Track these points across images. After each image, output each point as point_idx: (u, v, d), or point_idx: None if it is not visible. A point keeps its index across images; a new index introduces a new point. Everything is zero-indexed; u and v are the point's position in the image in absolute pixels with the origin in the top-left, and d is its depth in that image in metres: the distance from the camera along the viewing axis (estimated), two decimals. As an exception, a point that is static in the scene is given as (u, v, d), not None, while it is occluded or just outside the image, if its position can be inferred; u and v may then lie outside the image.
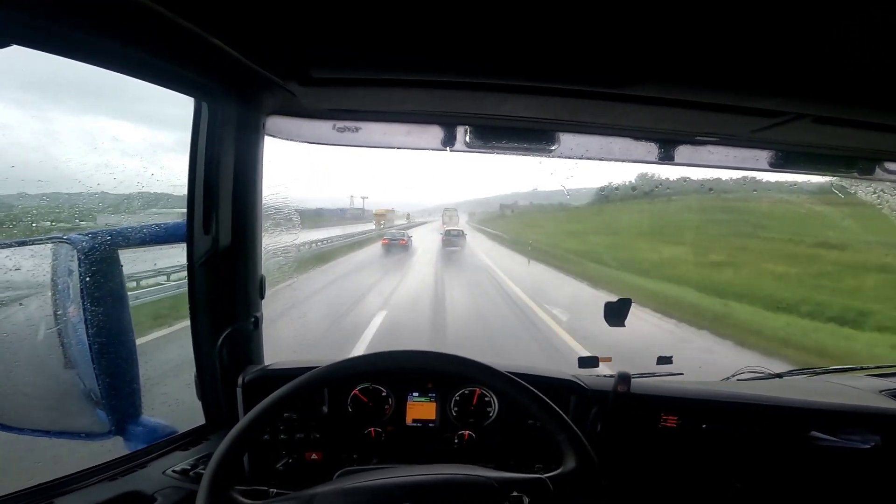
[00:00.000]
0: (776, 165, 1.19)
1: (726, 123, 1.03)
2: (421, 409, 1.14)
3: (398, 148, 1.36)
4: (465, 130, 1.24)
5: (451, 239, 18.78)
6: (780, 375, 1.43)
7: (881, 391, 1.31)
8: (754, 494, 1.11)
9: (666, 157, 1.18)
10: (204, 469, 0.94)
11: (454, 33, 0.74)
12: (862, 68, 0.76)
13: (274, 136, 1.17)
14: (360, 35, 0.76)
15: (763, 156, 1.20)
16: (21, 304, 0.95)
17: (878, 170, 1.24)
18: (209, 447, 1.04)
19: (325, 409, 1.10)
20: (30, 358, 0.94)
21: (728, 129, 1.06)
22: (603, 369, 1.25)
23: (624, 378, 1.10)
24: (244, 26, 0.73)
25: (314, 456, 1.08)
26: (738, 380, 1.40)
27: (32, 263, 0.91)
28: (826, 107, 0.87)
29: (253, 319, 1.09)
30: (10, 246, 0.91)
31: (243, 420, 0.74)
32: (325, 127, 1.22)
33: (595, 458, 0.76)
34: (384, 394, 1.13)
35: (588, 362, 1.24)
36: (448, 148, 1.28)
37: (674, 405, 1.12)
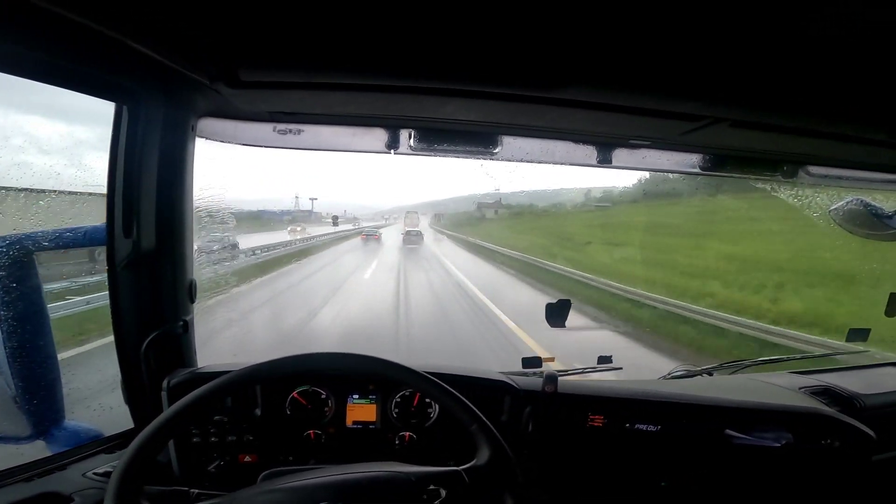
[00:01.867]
0: (706, 168, 1.20)
1: (655, 127, 1.02)
2: (361, 410, 1.13)
3: (343, 151, 1.35)
4: (410, 133, 1.23)
5: (411, 238, 21.69)
6: (710, 372, 1.44)
7: (800, 388, 1.32)
8: (679, 493, 1.11)
9: (604, 161, 1.17)
10: None
11: (386, 37, 0.73)
12: (777, 75, 0.75)
13: (208, 139, 1.16)
14: (287, 38, 0.75)
15: (694, 159, 1.21)
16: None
17: (800, 172, 1.24)
18: None
19: (259, 411, 1.10)
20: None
21: (658, 132, 1.06)
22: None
23: (551, 378, 1.09)
24: (163, 27, 0.71)
25: (248, 458, 1.08)
26: (671, 377, 1.40)
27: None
28: (742, 111, 0.87)
29: (182, 323, 1.08)
30: None
31: (155, 421, 0.73)
32: (265, 129, 1.21)
33: (508, 449, 0.78)
34: (324, 396, 1.12)
35: (531, 363, 1.23)
36: (392, 151, 1.28)
37: (601, 404, 1.11)
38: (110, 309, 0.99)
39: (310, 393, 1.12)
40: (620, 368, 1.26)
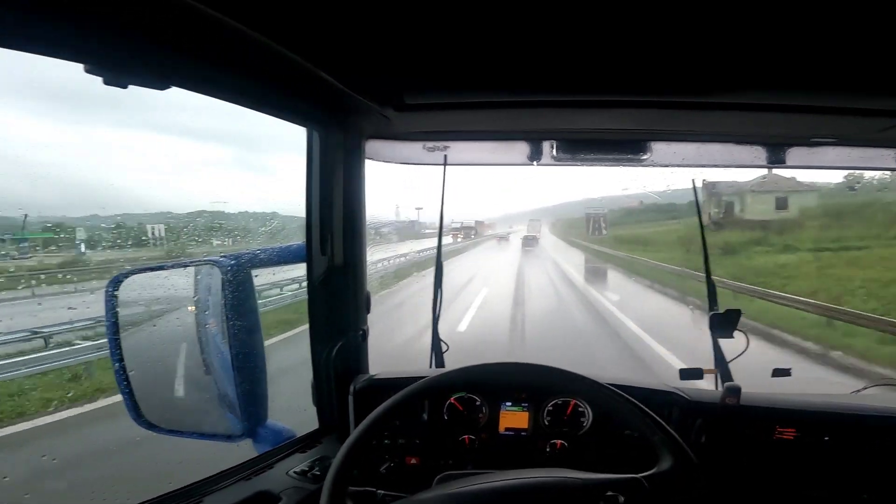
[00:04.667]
0: None
1: (844, 125, 0.97)
2: (513, 417, 1.15)
3: (485, 165, 1.41)
4: (552, 145, 1.25)
5: (528, 241, 27.61)
6: None
7: None
8: None
9: (776, 161, 1.13)
10: (319, 471, 1.02)
11: (542, 55, 0.76)
12: None
13: (372, 159, 1.25)
14: (450, 63, 0.81)
15: (890, 154, 1.11)
16: (169, 319, 1.08)
17: None
18: (323, 450, 1.12)
19: (425, 416, 1.15)
20: (177, 366, 1.06)
21: (847, 130, 1.00)
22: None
23: (733, 390, 1.06)
24: (346, 59, 0.79)
25: (413, 461, 1.13)
26: (868, 393, 1.30)
27: (181, 283, 1.03)
28: None
29: (361, 332, 1.16)
30: (165, 268, 1.03)
31: (361, 426, 0.79)
32: (415, 148, 1.28)
33: (693, 457, 0.76)
34: (478, 403, 1.16)
35: (690, 374, 1.19)
36: (535, 162, 1.30)
37: (791, 417, 1.06)
38: (308, 319, 1.09)
39: (466, 399, 1.16)
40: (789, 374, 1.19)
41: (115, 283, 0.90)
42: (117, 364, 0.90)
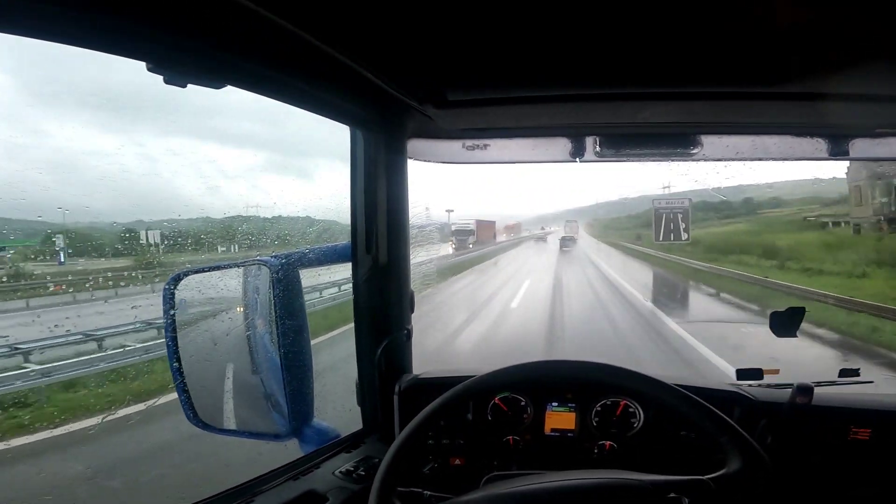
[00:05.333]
0: None
1: None
2: (560, 418, 1.13)
3: (525, 162, 1.38)
4: (595, 140, 1.22)
5: (566, 242, 27.31)
6: None
7: None
8: None
9: (839, 153, 1.07)
10: (364, 471, 1.02)
11: (587, 46, 0.74)
12: None
13: (413, 159, 1.24)
14: (491, 58, 0.79)
15: None
16: (221, 319, 1.09)
17: None
18: (367, 450, 1.12)
19: (470, 416, 1.13)
20: (228, 366, 1.08)
21: None
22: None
23: (804, 389, 1.00)
24: (386, 57, 0.79)
25: (458, 461, 1.11)
26: None
27: (232, 283, 1.05)
28: None
29: (405, 332, 1.16)
30: (220, 268, 1.05)
31: (409, 427, 0.78)
32: (456, 146, 1.27)
33: (766, 457, 0.73)
34: (523, 403, 1.13)
35: (749, 374, 1.14)
36: (578, 159, 1.27)
37: (865, 417, 1.01)
38: (354, 318, 1.09)
39: (510, 399, 1.14)
40: (871, 382, 1.12)
41: (174, 282, 0.92)
42: (175, 364, 0.92)
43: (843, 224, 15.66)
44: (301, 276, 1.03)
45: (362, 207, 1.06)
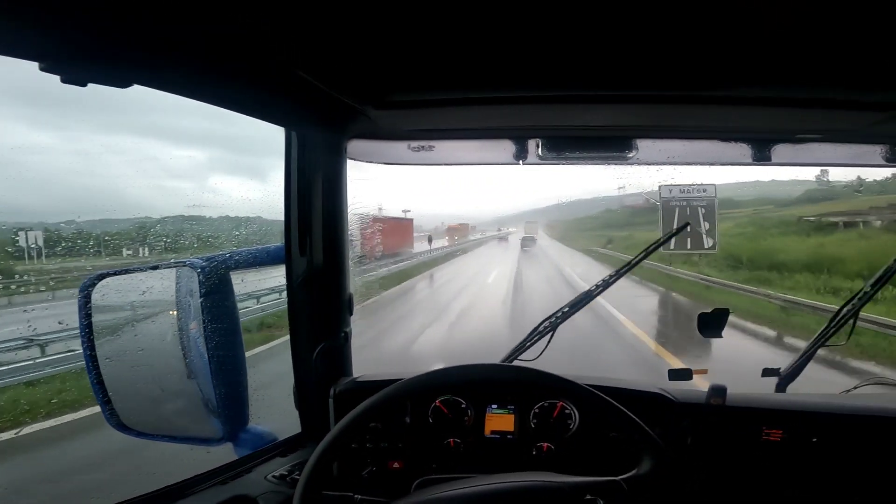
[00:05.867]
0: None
1: (834, 119, 0.95)
2: (499, 420, 1.13)
3: (470, 164, 1.39)
4: (538, 143, 1.24)
5: (526, 241, 29.59)
6: None
7: None
8: None
9: (762, 159, 1.10)
10: (298, 475, 1.01)
11: (526, 49, 0.74)
12: None
13: (355, 160, 1.24)
14: (432, 60, 0.80)
15: (880, 150, 1.08)
16: (150, 322, 1.07)
17: None
18: (304, 454, 1.11)
19: (408, 419, 1.13)
20: (158, 370, 1.06)
21: (836, 124, 0.97)
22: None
23: (718, 390, 1.04)
24: (323, 56, 0.77)
25: (396, 465, 1.11)
26: (860, 392, 1.27)
27: (162, 285, 1.03)
28: None
29: (343, 334, 1.15)
30: (142, 270, 1.03)
31: (333, 430, 0.78)
32: (401, 147, 1.27)
33: (673, 459, 0.76)
34: (464, 405, 1.14)
35: (679, 374, 1.17)
36: (521, 161, 1.28)
37: (778, 418, 1.04)
38: (288, 322, 1.08)
39: (451, 402, 1.14)
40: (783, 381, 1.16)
41: (88, 286, 0.90)
42: (92, 368, 0.90)
43: (861, 224, 12.97)
44: (232, 278, 1.02)
45: (296, 209, 1.05)
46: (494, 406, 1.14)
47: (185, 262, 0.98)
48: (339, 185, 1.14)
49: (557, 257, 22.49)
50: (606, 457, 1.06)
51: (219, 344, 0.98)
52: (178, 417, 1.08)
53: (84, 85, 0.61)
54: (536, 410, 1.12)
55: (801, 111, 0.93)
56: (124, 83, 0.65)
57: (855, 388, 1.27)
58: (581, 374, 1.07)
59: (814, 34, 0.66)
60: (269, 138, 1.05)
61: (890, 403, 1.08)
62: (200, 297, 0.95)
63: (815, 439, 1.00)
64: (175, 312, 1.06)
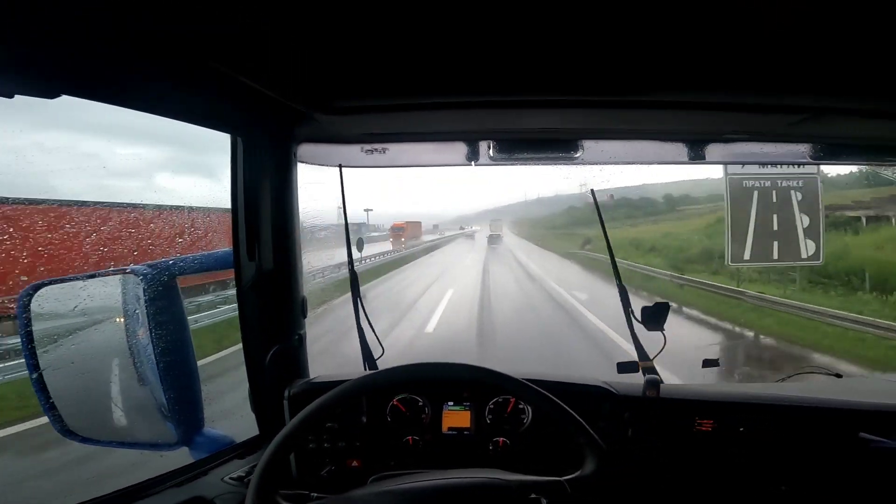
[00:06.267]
0: (817, 158, 1.14)
1: (756, 121, 1.01)
2: (456, 417, 1.16)
3: (425, 166, 1.41)
4: (489, 145, 1.27)
5: (493, 239, 30.35)
6: (839, 375, 1.37)
7: None
8: (801, 498, 1.07)
9: (697, 157, 1.16)
10: None
11: (473, 56, 0.77)
12: None
13: (306, 163, 1.24)
14: (378, 66, 0.81)
15: (803, 149, 1.15)
16: (96, 329, 1.06)
17: None
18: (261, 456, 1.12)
19: (364, 418, 1.15)
20: (108, 377, 1.05)
21: (759, 126, 1.04)
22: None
23: (652, 383, 1.08)
24: (267, 62, 0.78)
25: (354, 463, 1.14)
26: (790, 380, 1.34)
27: (105, 293, 1.02)
28: (858, 99, 0.84)
29: (297, 337, 1.16)
30: (81, 279, 1.02)
31: (285, 429, 0.80)
32: (353, 151, 1.28)
33: (612, 461, 0.79)
34: (421, 403, 1.16)
35: (627, 367, 1.22)
36: (473, 163, 1.32)
37: (709, 409, 1.09)
38: (240, 325, 1.08)
39: (408, 400, 1.17)
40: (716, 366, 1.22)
41: (25, 296, 0.89)
42: (34, 375, 0.89)
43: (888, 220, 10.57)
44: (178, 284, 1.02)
45: (243, 213, 1.06)
46: (451, 403, 1.17)
47: (125, 269, 0.97)
48: (288, 189, 1.15)
49: (536, 267, 16.54)
50: (559, 452, 1.09)
51: (166, 350, 0.98)
52: (130, 423, 1.08)
53: (11, 97, 0.61)
54: (491, 406, 1.16)
55: (724, 114, 0.98)
56: (51, 94, 0.65)
57: (788, 377, 1.35)
58: (528, 371, 1.11)
59: (730, 44, 0.71)
60: (219, 136, 1.04)
61: (815, 393, 1.15)
62: (145, 303, 0.95)
63: (742, 429, 1.06)
64: (121, 319, 1.06)
